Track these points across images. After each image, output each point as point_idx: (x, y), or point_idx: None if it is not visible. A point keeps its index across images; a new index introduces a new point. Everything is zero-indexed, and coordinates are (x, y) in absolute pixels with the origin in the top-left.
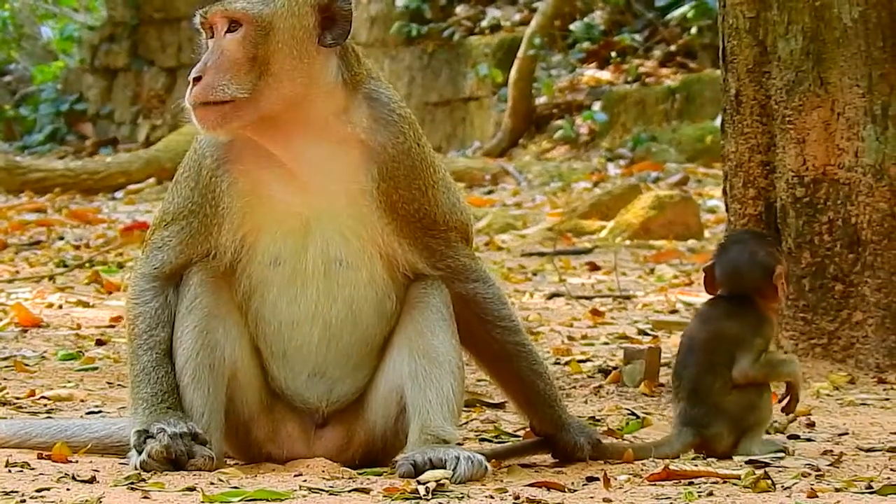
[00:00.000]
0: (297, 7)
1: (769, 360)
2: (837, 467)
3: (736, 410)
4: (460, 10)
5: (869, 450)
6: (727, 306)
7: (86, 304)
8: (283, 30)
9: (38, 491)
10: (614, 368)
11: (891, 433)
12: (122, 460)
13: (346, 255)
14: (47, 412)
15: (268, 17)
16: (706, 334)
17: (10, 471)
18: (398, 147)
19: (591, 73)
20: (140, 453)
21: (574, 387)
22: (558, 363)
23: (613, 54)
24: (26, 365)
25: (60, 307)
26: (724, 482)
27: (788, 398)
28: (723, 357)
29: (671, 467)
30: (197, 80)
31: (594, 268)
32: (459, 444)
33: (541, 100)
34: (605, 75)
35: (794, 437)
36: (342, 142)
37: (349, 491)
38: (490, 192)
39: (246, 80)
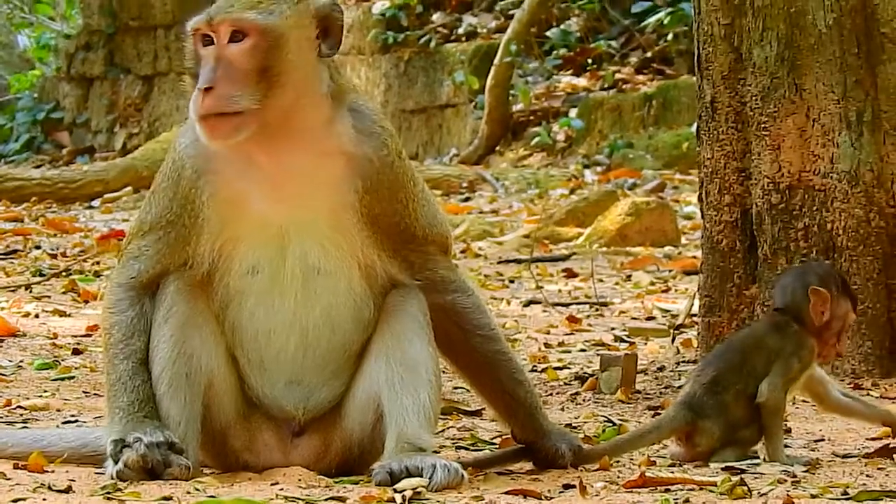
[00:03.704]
0: (302, 18)
1: (779, 408)
2: (813, 474)
3: (737, 419)
4: (437, 17)
5: (845, 456)
6: (774, 318)
7: (62, 314)
8: (291, 41)
9: (14, 501)
10: (591, 375)
11: (867, 439)
12: (98, 470)
13: (324, 264)
14: (23, 422)
15: (277, 29)
16: (746, 338)
17: None
18: (383, 160)
19: (567, 79)
20: (116, 463)
21: (550, 394)
22: (535, 370)
23: (590, 61)
24: (2, 374)
25: (37, 316)
26: (701, 489)
27: None
28: (755, 364)
29: (647, 474)
30: (207, 90)
31: (571, 274)
32: (436, 451)
33: (517, 107)
34: (582, 82)
35: None
36: (327, 153)
37: (325, 499)
38: (467, 200)
39: (256, 91)
